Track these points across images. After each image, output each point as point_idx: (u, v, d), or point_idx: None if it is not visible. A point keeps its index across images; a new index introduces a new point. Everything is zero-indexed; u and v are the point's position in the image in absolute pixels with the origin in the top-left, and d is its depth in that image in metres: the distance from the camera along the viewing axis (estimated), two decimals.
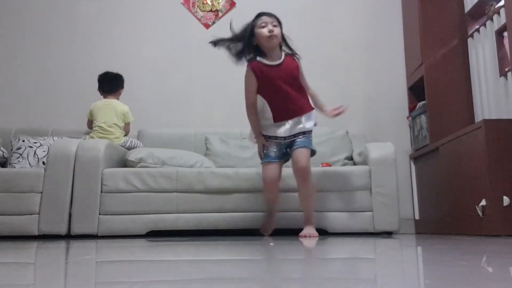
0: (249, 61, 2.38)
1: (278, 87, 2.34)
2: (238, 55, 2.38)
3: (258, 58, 2.38)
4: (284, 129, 2.36)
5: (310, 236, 2.33)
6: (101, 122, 3.08)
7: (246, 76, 2.38)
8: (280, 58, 2.38)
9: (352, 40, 3.81)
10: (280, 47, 2.41)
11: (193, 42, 3.82)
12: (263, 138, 2.42)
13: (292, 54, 2.43)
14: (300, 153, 2.33)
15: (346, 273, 0.91)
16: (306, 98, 2.43)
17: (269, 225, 2.52)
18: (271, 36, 2.31)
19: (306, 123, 2.37)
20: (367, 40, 3.81)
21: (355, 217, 2.61)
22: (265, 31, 2.31)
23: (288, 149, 2.42)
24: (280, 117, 2.37)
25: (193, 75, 3.79)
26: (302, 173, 2.34)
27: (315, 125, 2.44)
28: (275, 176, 2.40)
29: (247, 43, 2.36)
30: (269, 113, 2.38)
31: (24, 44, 3.83)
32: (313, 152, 2.42)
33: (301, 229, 2.41)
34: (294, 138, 2.37)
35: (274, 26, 2.33)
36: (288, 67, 2.38)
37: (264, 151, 2.43)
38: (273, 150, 2.40)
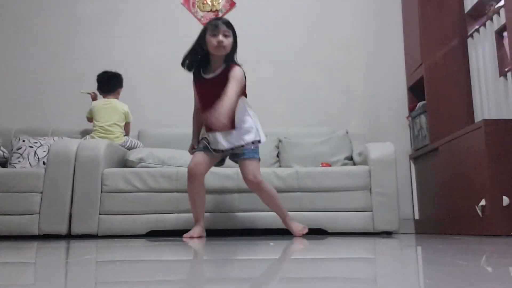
0: (189, 68, 2.33)
1: (207, 100, 2.26)
2: (186, 57, 2.31)
3: (203, 75, 2.30)
4: (218, 142, 2.27)
5: (303, 233, 2.36)
6: (102, 122, 3.09)
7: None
8: (217, 70, 2.27)
9: (352, 40, 3.82)
10: (228, 56, 2.28)
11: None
12: (195, 142, 2.42)
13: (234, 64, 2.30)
14: (246, 166, 2.29)
15: (346, 273, 0.91)
16: (233, 114, 2.27)
17: (195, 232, 2.32)
18: (219, 47, 2.22)
19: (239, 138, 2.26)
20: (367, 40, 3.81)
21: (355, 217, 2.62)
22: (213, 40, 2.22)
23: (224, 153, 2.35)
24: (209, 128, 2.29)
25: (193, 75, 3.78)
26: (252, 186, 2.32)
27: (257, 142, 2.30)
28: (196, 163, 2.28)
29: (196, 46, 2.29)
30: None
31: (24, 44, 3.83)
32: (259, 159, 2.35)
33: (285, 229, 2.46)
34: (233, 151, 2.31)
35: (226, 36, 2.23)
36: (222, 80, 2.23)
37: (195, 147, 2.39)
38: (203, 143, 2.33)
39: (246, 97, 2.35)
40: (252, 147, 2.29)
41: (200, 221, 2.37)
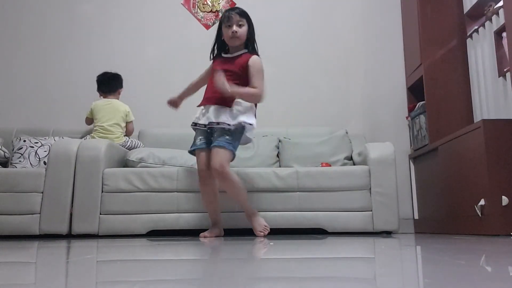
0: (214, 58, 2.46)
1: (216, 73, 2.32)
2: (212, 49, 2.47)
3: (222, 54, 2.43)
4: (206, 116, 2.31)
5: (265, 231, 2.35)
6: (102, 122, 3.09)
7: None
8: (237, 52, 2.38)
9: (352, 41, 3.82)
10: (247, 44, 2.40)
11: (193, 43, 3.82)
12: (179, 98, 2.55)
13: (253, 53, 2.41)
14: (215, 153, 2.26)
15: (346, 272, 0.92)
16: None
17: (212, 232, 2.39)
18: (233, 37, 2.33)
19: (230, 118, 2.27)
20: (367, 40, 3.82)
21: (355, 217, 2.62)
22: (228, 31, 2.33)
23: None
24: (204, 100, 2.36)
25: (193, 75, 3.77)
26: (215, 174, 2.28)
27: (246, 126, 2.31)
28: (206, 164, 2.31)
29: (216, 39, 2.44)
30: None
31: (25, 44, 3.83)
32: (233, 155, 2.32)
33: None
34: (215, 131, 2.29)
35: (240, 25, 2.32)
36: (238, 61, 2.35)
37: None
38: (198, 138, 2.36)
39: None
40: (229, 138, 2.26)
41: (217, 222, 2.41)
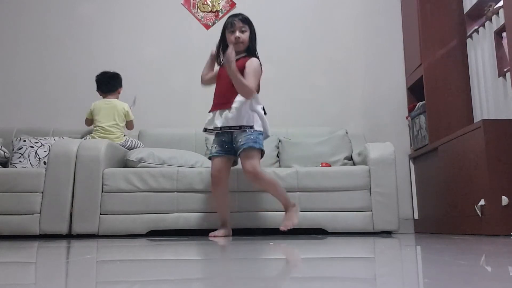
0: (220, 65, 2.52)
1: (220, 81, 2.44)
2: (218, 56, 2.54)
3: None
4: (216, 120, 2.38)
5: (287, 228, 2.35)
6: (102, 122, 3.09)
7: None
8: (237, 56, 2.41)
9: (352, 41, 3.82)
10: (248, 49, 2.45)
11: (193, 43, 3.82)
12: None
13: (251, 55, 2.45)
14: (245, 158, 2.33)
15: (346, 272, 0.92)
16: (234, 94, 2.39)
17: (221, 232, 2.42)
18: (237, 43, 2.40)
19: (238, 118, 2.31)
20: (367, 40, 3.82)
21: (355, 217, 2.62)
22: (231, 37, 2.41)
23: (233, 145, 2.39)
24: (213, 107, 2.43)
25: (193, 75, 3.77)
26: (250, 177, 2.36)
27: (254, 130, 2.33)
28: (218, 170, 2.40)
29: (221, 43, 2.50)
30: None
31: (25, 44, 3.83)
32: (262, 152, 2.37)
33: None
34: (235, 135, 2.35)
35: (243, 31, 2.41)
36: (237, 64, 2.37)
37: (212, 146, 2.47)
38: (214, 146, 2.44)
39: (258, 92, 2.42)
40: (252, 137, 2.31)
41: (226, 222, 2.45)
